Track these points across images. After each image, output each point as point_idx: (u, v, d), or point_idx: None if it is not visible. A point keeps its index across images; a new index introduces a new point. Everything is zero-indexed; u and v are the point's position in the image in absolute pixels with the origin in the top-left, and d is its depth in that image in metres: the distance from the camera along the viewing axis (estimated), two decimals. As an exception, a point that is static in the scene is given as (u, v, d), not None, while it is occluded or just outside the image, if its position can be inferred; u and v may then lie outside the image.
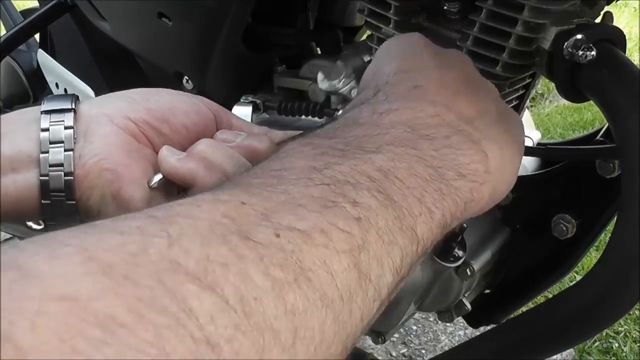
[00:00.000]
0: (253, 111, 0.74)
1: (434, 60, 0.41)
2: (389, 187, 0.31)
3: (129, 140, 0.44)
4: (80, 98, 0.46)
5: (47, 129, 0.43)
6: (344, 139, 0.33)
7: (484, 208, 0.37)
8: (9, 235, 1.74)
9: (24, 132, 0.43)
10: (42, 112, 0.43)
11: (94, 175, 0.42)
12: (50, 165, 0.42)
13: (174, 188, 0.45)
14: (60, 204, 0.43)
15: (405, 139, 0.33)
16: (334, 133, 0.34)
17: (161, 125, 0.46)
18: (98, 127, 0.44)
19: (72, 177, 0.42)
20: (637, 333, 1.50)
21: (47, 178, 0.42)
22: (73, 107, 0.44)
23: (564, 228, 0.58)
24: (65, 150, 0.42)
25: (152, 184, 0.43)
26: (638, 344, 1.48)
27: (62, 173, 0.42)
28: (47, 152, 0.42)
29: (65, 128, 0.43)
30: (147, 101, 0.46)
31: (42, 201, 0.42)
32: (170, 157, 0.44)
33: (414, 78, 0.39)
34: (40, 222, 1.01)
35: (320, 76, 0.65)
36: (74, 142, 0.43)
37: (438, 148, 0.34)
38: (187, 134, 0.46)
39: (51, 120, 0.43)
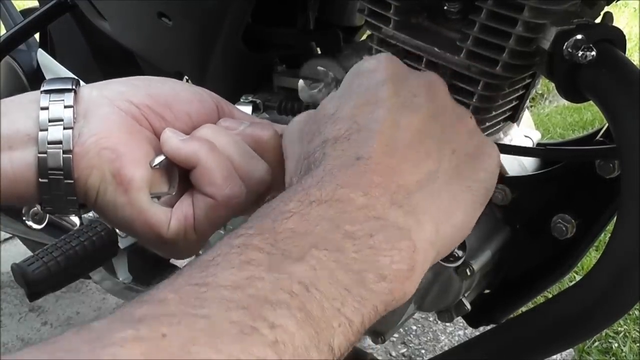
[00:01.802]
0: (253, 111, 0.75)
1: (392, 104, 0.39)
2: (309, 301, 0.30)
3: (130, 122, 0.44)
4: (80, 83, 0.46)
5: (46, 108, 0.42)
6: (275, 234, 0.32)
7: (407, 299, 0.35)
8: (9, 235, 1.74)
9: (23, 111, 0.42)
10: (41, 92, 0.43)
11: (93, 153, 0.42)
12: (49, 143, 0.41)
13: (176, 170, 0.44)
14: (58, 183, 0.42)
15: (329, 240, 0.33)
16: (267, 223, 0.33)
17: (163, 110, 0.45)
18: (98, 108, 0.44)
19: (70, 155, 0.41)
20: (637, 333, 1.50)
21: (45, 155, 0.41)
22: (73, 87, 0.44)
23: (564, 228, 0.58)
24: (64, 129, 0.42)
25: (154, 164, 0.43)
26: (638, 344, 1.48)
27: (61, 150, 0.41)
28: (46, 130, 0.42)
29: (65, 107, 0.42)
30: (150, 87, 0.46)
31: (40, 180, 0.42)
32: (173, 138, 0.44)
33: (359, 145, 0.37)
34: (40, 220, 1.01)
35: (300, 85, 0.64)
36: (74, 121, 0.42)
37: (360, 249, 0.33)
38: (190, 121, 0.46)
39: (51, 100, 0.43)
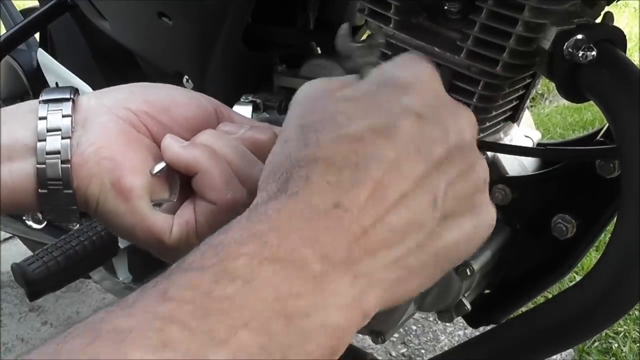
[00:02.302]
0: (253, 110, 0.75)
1: (407, 145, 0.33)
2: None
3: (129, 130, 0.44)
4: (79, 92, 0.46)
5: (44, 118, 0.42)
6: (210, 302, 0.28)
7: None
8: (9, 235, 1.74)
9: (22, 121, 0.42)
10: (40, 102, 0.43)
11: (92, 163, 0.42)
12: (47, 153, 0.41)
13: (176, 177, 0.44)
14: (57, 194, 0.42)
15: (263, 318, 0.29)
16: (206, 283, 0.29)
17: (161, 116, 0.45)
18: (97, 116, 0.43)
19: (69, 165, 0.41)
20: (637, 333, 1.50)
21: (43, 166, 0.41)
22: (71, 96, 0.44)
23: (564, 228, 0.58)
24: (62, 138, 0.42)
25: (154, 171, 0.43)
26: (638, 344, 1.48)
27: (59, 160, 0.41)
28: (45, 140, 0.41)
29: (63, 116, 0.42)
30: (147, 93, 0.46)
31: (39, 190, 0.42)
32: (173, 145, 0.44)
33: (345, 187, 0.32)
34: (40, 220, 1.01)
35: (342, 29, 0.59)
36: (72, 131, 0.42)
37: (290, 333, 0.30)
38: (188, 125, 0.46)
39: (49, 109, 0.43)
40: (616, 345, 1.47)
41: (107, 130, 0.43)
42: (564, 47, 0.49)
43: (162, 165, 0.43)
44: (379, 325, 0.67)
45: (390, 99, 0.35)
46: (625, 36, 0.51)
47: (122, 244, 0.84)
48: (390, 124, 0.34)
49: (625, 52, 0.50)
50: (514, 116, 0.65)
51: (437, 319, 0.64)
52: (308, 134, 0.36)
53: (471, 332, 1.48)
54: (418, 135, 0.34)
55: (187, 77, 0.80)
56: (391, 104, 0.35)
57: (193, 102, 0.47)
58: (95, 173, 0.42)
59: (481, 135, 0.61)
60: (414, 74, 0.36)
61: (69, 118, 0.42)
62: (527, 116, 0.70)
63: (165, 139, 0.44)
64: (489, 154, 0.63)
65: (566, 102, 2.77)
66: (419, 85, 0.36)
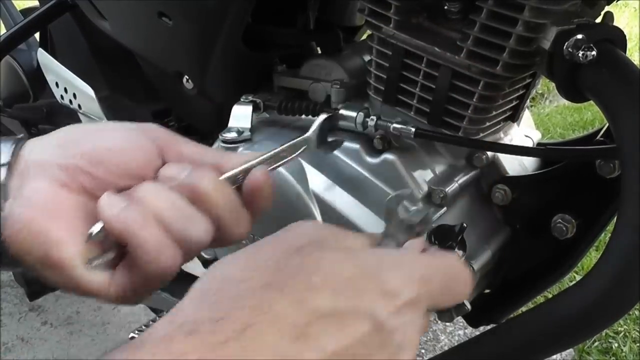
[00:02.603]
0: (253, 110, 0.74)
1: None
2: None
3: (60, 194, 0.44)
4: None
5: None
6: None
7: None
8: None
9: None
10: None
11: (21, 239, 0.42)
12: None
13: (111, 240, 0.44)
14: (1, 261, 0.43)
15: None
16: None
17: (95, 168, 0.45)
18: (30, 181, 0.44)
19: (3, 239, 0.42)
20: (637, 333, 1.50)
21: None
22: (8, 161, 0.44)
23: (564, 228, 0.58)
24: None
25: (90, 237, 0.43)
26: (638, 344, 1.48)
27: None
28: None
29: None
30: (82, 144, 0.46)
31: None
32: (106, 210, 0.43)
33: (276, 356, 0.30)
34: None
35: (395, 201, 0.54)
36: (4, 202, 0.43)
37: None
38: (126, 173, 0.45)
39: None
40: (616, 345, 1.48)
41: (37, 200, 0.43)
42: (564, 47, 0.49)
43: (98, 227, 0.43)
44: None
45: (368, 293, 0.34)
46: (625, 36, 0.51)
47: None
48: (351, 315, 0.32)
49: (625, 52, 0.50)
50: (514, 116, 0.65)
51: (437, 319, 0.64)
52: (279, 274, 0.33)
53: (471, 332, 1.48)
54: (364, 344, 0.32)
55: (187, 77, 0.80)
56: (365, 298, 0.33)
57: (131, 145, 0.46)
58: (26, 248, 0.42)
59: (481, 135, 0.61)
60: (408, 289, 0.35)
61: (4, 186, 0.43)
62: (527, 116, 0.70)
63: (100, 200, 0.43)
64: (489, 153, 0.63)
65: (566, 102, 2.78)
66: (401, 299, 0.35)
